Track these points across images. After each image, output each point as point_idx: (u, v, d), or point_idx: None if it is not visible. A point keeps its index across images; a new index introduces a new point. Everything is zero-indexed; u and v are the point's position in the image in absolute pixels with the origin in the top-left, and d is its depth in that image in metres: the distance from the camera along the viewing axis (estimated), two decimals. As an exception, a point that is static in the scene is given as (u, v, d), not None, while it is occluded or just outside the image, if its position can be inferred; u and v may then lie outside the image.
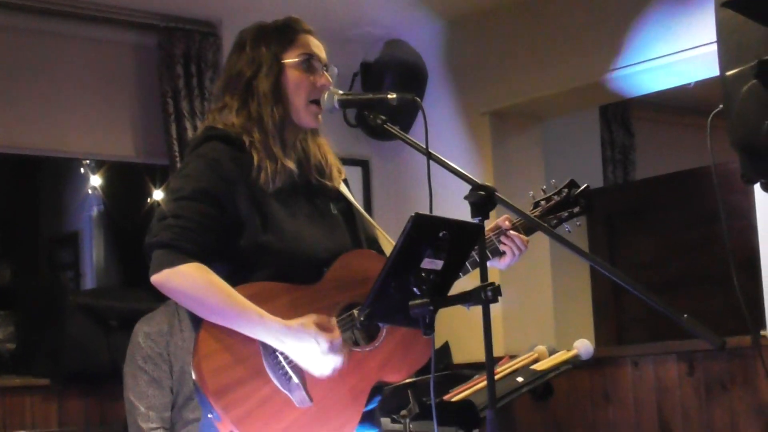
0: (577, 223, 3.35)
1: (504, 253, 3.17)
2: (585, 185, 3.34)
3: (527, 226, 3.19)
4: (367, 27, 6.80)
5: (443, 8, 6.70)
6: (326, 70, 3.05)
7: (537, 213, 3.27)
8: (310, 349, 2.78)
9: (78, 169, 7.94)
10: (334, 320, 2.87)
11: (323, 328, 2.81)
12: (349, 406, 2.87)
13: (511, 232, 3.17)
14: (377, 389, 2.97)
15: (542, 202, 3.32)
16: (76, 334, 5.96)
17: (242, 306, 2.78)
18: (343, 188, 3.15)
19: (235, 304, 2.78)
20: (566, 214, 3.31)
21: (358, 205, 3.16)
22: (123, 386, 4.49)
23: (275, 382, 2.80)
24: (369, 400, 2.93)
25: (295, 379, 2.80)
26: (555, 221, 3.29)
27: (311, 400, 2.81)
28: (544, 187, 3.35)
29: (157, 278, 2.79)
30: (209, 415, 2.80)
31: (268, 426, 2.76)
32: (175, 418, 4.42)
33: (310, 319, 2.81)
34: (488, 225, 3.07)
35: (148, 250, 2.83)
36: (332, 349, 2.80)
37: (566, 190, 3.32)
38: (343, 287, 2.93)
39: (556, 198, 3.31)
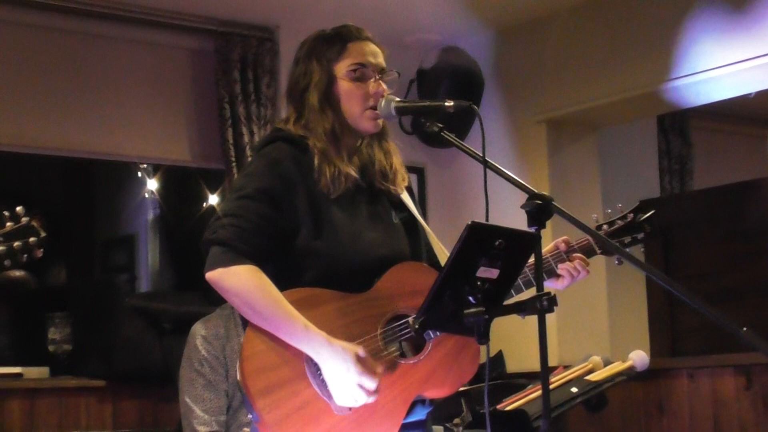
0: (641, 249, 3.31)
1: (559, 275, 3.14)
2: (652, 211, 3.29)
3: (585, 250, 3.16)
4: (423, 34, 6.80)
5: (499, 15, 6.69)
6: (383, 76, 3.04)
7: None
8: (339, 373, 2.77)
9: (135, 172, 8.00)
10: (378, 337, 2.86)
11: (363, 362, 2.80)
12: (387, 417, 2.86)
13: (576, 255, 3.13)
14: (422, 401, 2.95)
15: (604, 226, 3.28)
16: (130, 336, 6.00)
17: (289, 314, 2.79)
18: (406, 197, 3.15)
19: (283, 310, 2.79)
20: (629, 239, 3.27)
21: (420, 216, 3.15)
22: (178, 388, 4.51)
23: (315, 387, 2.80)
24: (411, 413, 2.92)
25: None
26: (616, 245, 3.22)
27: (350, 408, 2.80)
28: (609, 210, 3.32)
29: (211, 275, 2.82)
30: (249, 416, 2.81)
31: (305, 430, 2.77)
32: (230, 421, 4.43)
33: (354, 347, 2.81)
34: (546, 242, 3.05)
35: (205, 246, 2.86)
36: (359, 384, 2.78)
37: (632, 215, 3.28)
38: (392, 298, 2.92)
39: (620, 222, 3.28)
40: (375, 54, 3.06)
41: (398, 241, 3.05)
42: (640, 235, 3.27)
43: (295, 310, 2.79)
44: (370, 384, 2.78)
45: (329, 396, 2.79)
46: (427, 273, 2.96)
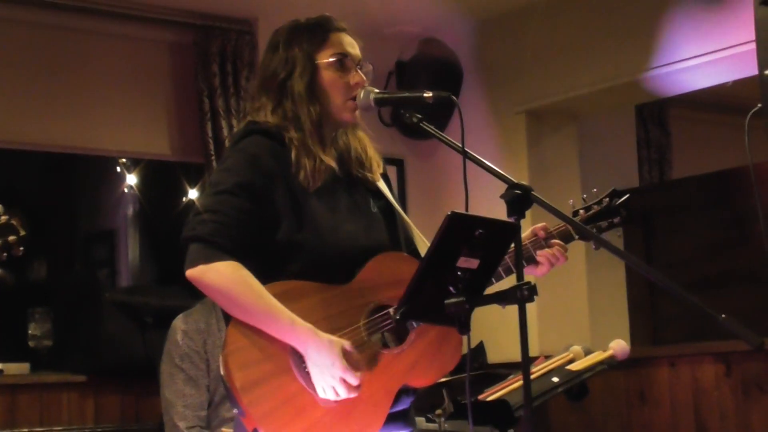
0: (618, 234, 3.32)
1: (538, 262, 3.14)
2: (626, 195, 3.31)
3: (563, 235, 3.17)
4: (402, 25, 6.79)
5: (478, 6, 6.69)
6: (360, 68, 3.05)
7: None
8: (324, 366, 2.78)
9: (114, 167, 7.98)
10: (361, 328, 2.87)
11: (348, 356, 2.80)
12: (373, 408, 2.86)
13: (553, 241, 3.14)
14: (407, 390, 2.96)
15: (581, 212, 3.29)
16: (111, 330, 5.99)
17: (273, 307, 2.79)
18: (382, 184, 3.15)
19: (267, 304, 2.79)
20: (605, 224, 3.28)
21: (397, 205, 3.15)
22: (159, 383, 4.50)
23: (300, 380, 2.80)
24: (396, 402, 2.92)
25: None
26: (594, 231, 3.24)
27: (336, 400, 2.81)
28: (585, 196, 3.33)
29: (192, 273, 2.81)
30: (234, 410, 2.81)
31: (292, 424, 2.77)
32: (212, 416, 4.42)
33: (341, 341, 2.81)
34: (524, 230, 3.06)
35: (184, 244, 2.85)
36: (342, 379, 2.78)
37: (607, 199, 3.29)
38: (374, 289, 2.93)
39: (596, 207, 3.29)
40: (353, 45, 3.07)
41: (378, 231, 3.05)
42: (617, 219, 3.28)
43: (279, 303, 2.79)
44: (353, 379, 2.79)
45: (314, 388, 2.79)
46: (408, 262, 2.96)
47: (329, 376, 2.77)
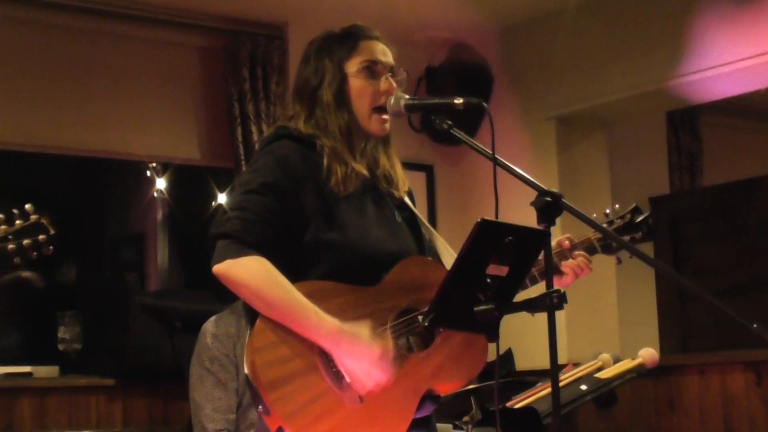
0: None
1: (563, 273, 3.14)
2: (647, 214, 3.30)
3: (587, 247, 3.17)
4: (432, 31, 6.79)
5: (508, 12, 6.68)
6: (393, 75, 3.05)
7: (599, 236, 3.22)
8: (360, 356, 2.78)
9: (144, 171, 8.00)
10: (388, 331, 2.86)
11: (377, 336, 2.81)
12: (399, 410, 2.85)
13: (579, 253, 3.13)
14: (430, 397, 2.95)
15: (604, 225, 3.28)
16: (140, 334, 6.01)
17: (300, 303, 2.78)
18: (407, 199, 3.15)
19: (293, 300, 2.78)
20: (627, 239, 3.27)
21: (422, 217, 3.16)
22: (188, 387, 4.51)
23: (328, 380, 2.79)
24: (419, 408, 2.91)
25: (348, 378, 2.80)
26: (620, 240, 3.23)
27: (362, 400, 2.80)
28: (608, 210, 3.32)
29: (219, 268, 2.81)
30: (259, 408, 2.80)
31: (316, 424, 2.76)
32: (240, 419, 4.43)
33: (366, 326, 2.81)
34: (553, 237, 3.05)
35: (211, 241, 2.85)
36: (383, 359, 2.79)
37: (629, 215, 3.28)
38: (401, 292, 2.92)
39: (619, 222, 3.28)
40: (385, 53, 3.06)
41: (404, 238, 3.06)
42: (638, 235, 3.28)
43: (306, 299, 2.78)
44: (391, 354, 2.80)
45: (342, 388, 2.79)
46: (436, 267, 2.97)
47: (367, 363, 2.77)
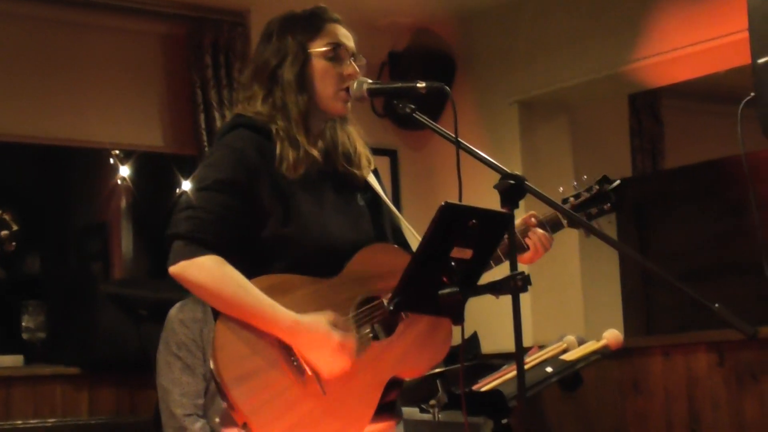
0: (609, 221, 3.31)
1: (527, 248, 3.14)
2: (617, 181, 3.30)
3: (553, 223, 3.17)
4: (395, 16, 6.79)
5: (471, -3, 6.69)
6: (354, 60, 3.04)
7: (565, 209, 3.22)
8: (320, 346, 2.78)
9: (107, 159, 7.97)
10: (350, 320, 2.86)
11: (337, 325, 2.81)
12: (363, 400, 2.86)
13: (537, 229, 3.15)
14: (395, 383, 2.95)
15: (571, 198, 3.28)
16: (105, 323, 5.98)
17: (256, 299, 2.77)
18: (372, 178, 3.13)
19: (250, 297, 2.77)
20: (595, 210, 3.27)
21: (385, 196, 3.14)
22: (156, 373, 4.50)
23: (290, 374, 2.79)
24: (385, 394, 2.91)
25: (309, 371, 2.80)
26: (584, 218, 3.24)
27: (325, 393, 2.80)
28: (575, 183, 3.32)
29: (174, 269, 2.80)
30: (224, 404, 2.80)
31: (281, 417, 2.76)
32: (208, 404, 4.43)
33: (324, 316, 2.81)
34: (517, 218, 3.06)
35: (168, 242, 2.84)
36: (343, 347, 2.79)
37: (597, 186, 3.28)
38: (362, 281, 2.92)
39: (586, 194, 3.28)
40: (348, 37, 3.05)
41: (365, 225, 3.04)
42: (607, 206, 3.27)
43: (263, 294, 2.78)
44: (352, 342, 2.80)
45: (304, 382, 2.79)
46: (396, 253, 2.97)
47: (329, 348, 2.78)
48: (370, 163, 3.14)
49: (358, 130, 3.14)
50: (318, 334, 2.78)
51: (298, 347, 2.79)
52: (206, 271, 2.78)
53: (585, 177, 3.33)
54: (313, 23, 3.03)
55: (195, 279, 2.79)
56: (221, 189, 2.84)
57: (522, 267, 2.68)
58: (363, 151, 3.11)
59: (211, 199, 2.83)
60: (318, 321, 2.79)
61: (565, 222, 3.18)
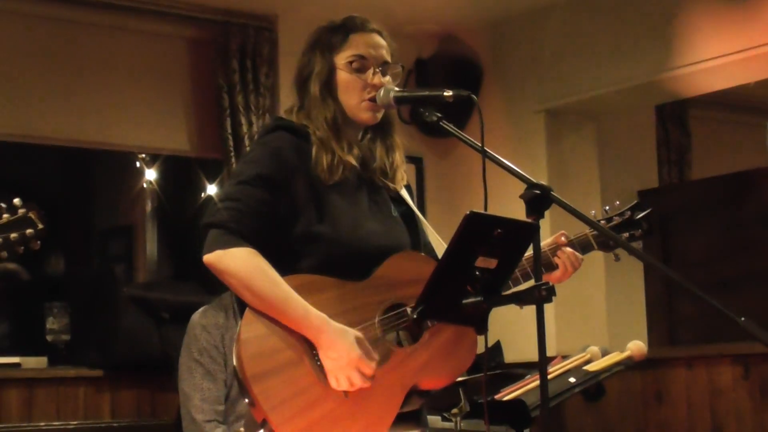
0: (639, 245, 3.31)
1: (557, 267, 3.14)
2: (649, 209, 3.30)
3: (583, 244, 3.17)
4: (422, 24, 6.79)
5: (498, 5, 6.68)
6: (386, 69, 3.05)
7: (595, 232, 3.21)
8: (339, 354, 2.78)
9: (133, 162, 7.99)
10: (376, 324, 2.86)
11: (362, 344, 2.80)
12: (384, 404, 2.85)
13: (567, 248, 3.14)
14: (419, 391, 2.95)
15: (602, 222, 3.28)
16: (128, 325, 6.00)
17: (287, 295, 2.79)
18: (404, 193, 3.16)
19: (281, 292, 2.80)
20: (627, 236, 3.27)
21: (417, 211, 3.16)
22: (176, 378, 4.51)
23: (313, 373, 2.80)
24: (407, 403, 2.91)
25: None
26: (612, 243, 3.23)
27: (347, 394, 2.80)
28: (608, 207, 3.32)
29: (209, 258, 2.83)
30: (245, 400, 2.81)
31: (301, 416, 2.76)
32: (229, 410, 4.43)
33: (354, 332, 2.81)
34: (545, 241, 3.07)
35: (203, 230, 2.87)
36: (358, 367, 2.78)
37: (629, 212, 3.28)
38: (390, 286, 2.92)
39: (618, 219, 3.28)
40: (377, 46, 3.06)
41: (398, 233, 3.06)
42: (638, 232, 3.28)
43: (293, 291, 2.80)
44: (368, 368, 2.79)
45: (326, 383, 2.79)
46: (426, 262, 2.96)
47: (345, 364, 2.77)
48: (404, 178, 3.17)
49: (399, 142, 3.17)
50: (343, 342, 2.78)
51: (320, 348, 2.80)
52: (241, 261, 2.81)
53: (617, 203, 3.32)
54: (339, 34, 3.06)
55: (228, 269, 2.81)
56: (259, 184, 2.88)
57: (548, 281, 2.67)
58: (399, 165, 3.14)
59: (249, 193, 2.87)
60: (346, 330, 2.80)
61: (595, 244, 3.19)
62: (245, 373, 2.75)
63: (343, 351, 2.77)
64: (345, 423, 2.80)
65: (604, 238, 3.20)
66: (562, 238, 3.17)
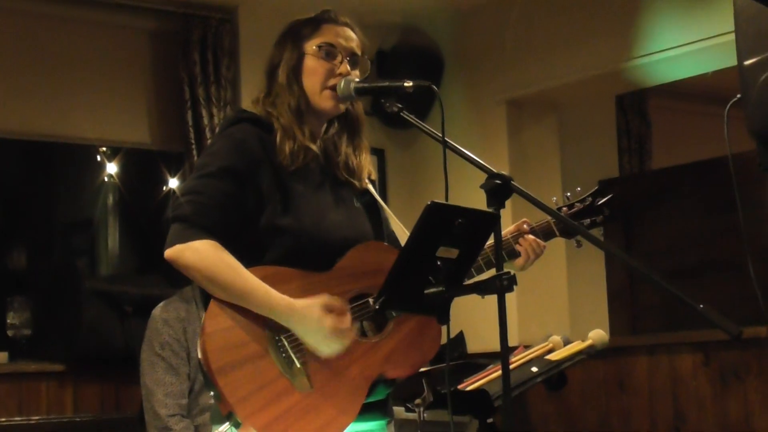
0: (601, 233, 3.33)
1: (519, 254, 3.16)
2: (610, 195, 3.32)
3: (545, 231, 3.19)
4: (382, 14, 6.79)
5: (460, -4, 6.70)
6: (354, 62, 3.08)
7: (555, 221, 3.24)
8: (315, 329, 2.80)
9: (94, 155, 7.95)
10: (346, 303, 2.88)
11: (332, 309, 2.83)
12: (349, 395, 2.87)
13: (529, 235, 3.16)
14: (385, 381, 2.96)
15: (564, 209, 3.30)
16: (91, 319, 5.98)
17: (251, 284, 2.80)
18: (369, 187, 3.18)
19: (244, 281, 2.80)
20: (588, 222, 3.29)
21: (382, 202, 3.17)
22: (139, 372, 4.50)
23: (278, 365, 2.81)
24: (373, 393, 2.93)
25: (297, 364, 2.82)
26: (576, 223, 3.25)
27: (312, 386, 2.82)
28: (569, 193, 3.34)
29: (170, 252, 2.83)
30: (210, 393, 2.81)
31: (267, 409, 2.77)
32: (192, 404, 4.42)
33: (317, 300, 2.82)
34: (504, 220, 3.08)
35: (167, 225, 2.87)
36: (336, 331, 2.81)
37: (590, 198, 3.30)
38: (354, 277, 2.94)
39: (579, 206, 3.30)
40: (348, 38, 3.09)
41: (361, 224, 3.08)
42: (599, 218, 3.30)
43: (257, 279, 2.81)
44: (345, 323, 2.82)
45: (292, 374, 2.80)
46: (389, 252, 2.97)
47: (324, 335, 2.80)
48: (371, 173, 3.19)
49: (367, 144, 3.20)
50: (312, 318, 2.80)
51: (294, 331, 2.82)
52: (202, 254, 2.81)
53: (579, 189, 3.33)
54: (312, 24, 3.10)
55: (190, 262, 2.81)
56: (222, 176, 2.89)
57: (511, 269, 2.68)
58: (365, 164, 3.17)
59: (212, 185, 2.87)
60: (311, 305, 2.82)
61: (557, 230, 3.20)
62: (210, 366, 2.75)
63: (315, 323, 2.80)
64: (311, 415, 2.81)
65: (566, 226, 3.22)
66: (525, 226, 3.19)
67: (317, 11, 3.14)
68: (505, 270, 2.54)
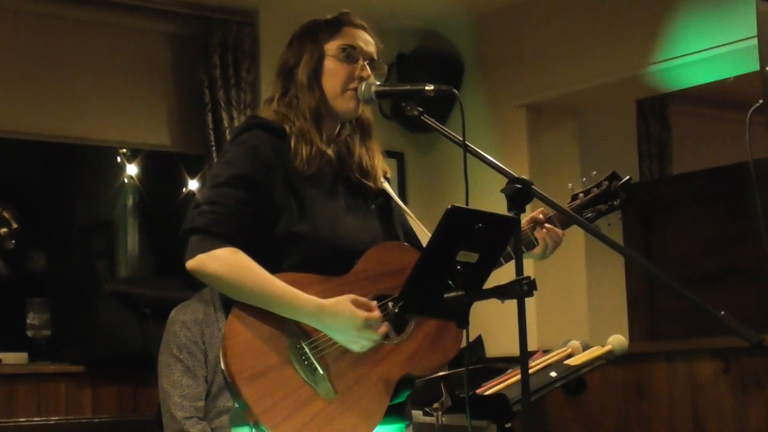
0: (619, 218, 3.31)
1: (537, 243, 3.14)
2: (627, 177, 3.30)
3: (563, 221, 3.17)
4: (403, 18, 6.79)
5: (479, 0, 6.68)
6: (372, 66, 3.07)
7: (574, 205, 3.23)
8: (346, 325, 2.80)
9: (114, 157, 7.97)
10: (373, 302, 2.87)
11: (360, 305, 2.82)
12: (374, 399, 2.87)
13: (546, 225, 3.15)
14: (405, 383, 2.96)
15: (580, 195, 3.28)
16: (109, 321, 5.98)
17: (277, 286, 2.80)
18: (386, 185, 3.17)
19: (271, 285, 2.80)
20: (605, 207, 3.27)
21: (398, 200, 3.17)
22: (157, 374, 4.51)
23: (300, 373, 2.80)
24: (396, 394, 2.92)
25: (320, 371, 2.81)
26: (593, 214, 3.24)
27: (336, 392, 2.81)
28: (585, 179, 3.32)
29: (192, 264, 2.81)
30: (235, 404, 2.81)
31: (293, 417, 2.77)
32: (209, 407, 4.42)
33: (345, 298, 2.82)
34: (524, 218, 3.07)
35: (183, 237, 2.86)
36: (367, 324, 2.81)
37: (606, 182, 3.28)
38: (373, 279, 2.94)
39: (596, 191, 3.28)
40: (367, 42, 3.09)
41: (376, 226, 3.07)
42: (616, 202, 3.27)
43: (282, 282, 2.80)
44: (376, 316, 2.81)
45: (315, 381, 2.80)
46: (407, 251, 2.98)
47: (356, 332, 2.80)
48: (386, 171, 3.18)
49: (379, 146, 3.18)
50: (343, 314, 2.80)
51: (325, 329, 2.82)
52: (225, 262, 2.80)
53: (594, 173, 3.32)
54: (332, 26, 3.09)
55: (214, 271, 2.81)
56: (237, 185, 2.88)
57: (530, 266, 2.67)
58: (379, 164, 3.16)
59: (228, 194, 2.87)
60: (341, 301, 2.82)
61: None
62: (234, 377, 2.76)
63: (347, 318, 2.80)
64: (338, 419, 2.81)
65: (582, 213, 3.20)
66: (540, 216, 3.16)
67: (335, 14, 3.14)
68: (525, 261, 2.53)
